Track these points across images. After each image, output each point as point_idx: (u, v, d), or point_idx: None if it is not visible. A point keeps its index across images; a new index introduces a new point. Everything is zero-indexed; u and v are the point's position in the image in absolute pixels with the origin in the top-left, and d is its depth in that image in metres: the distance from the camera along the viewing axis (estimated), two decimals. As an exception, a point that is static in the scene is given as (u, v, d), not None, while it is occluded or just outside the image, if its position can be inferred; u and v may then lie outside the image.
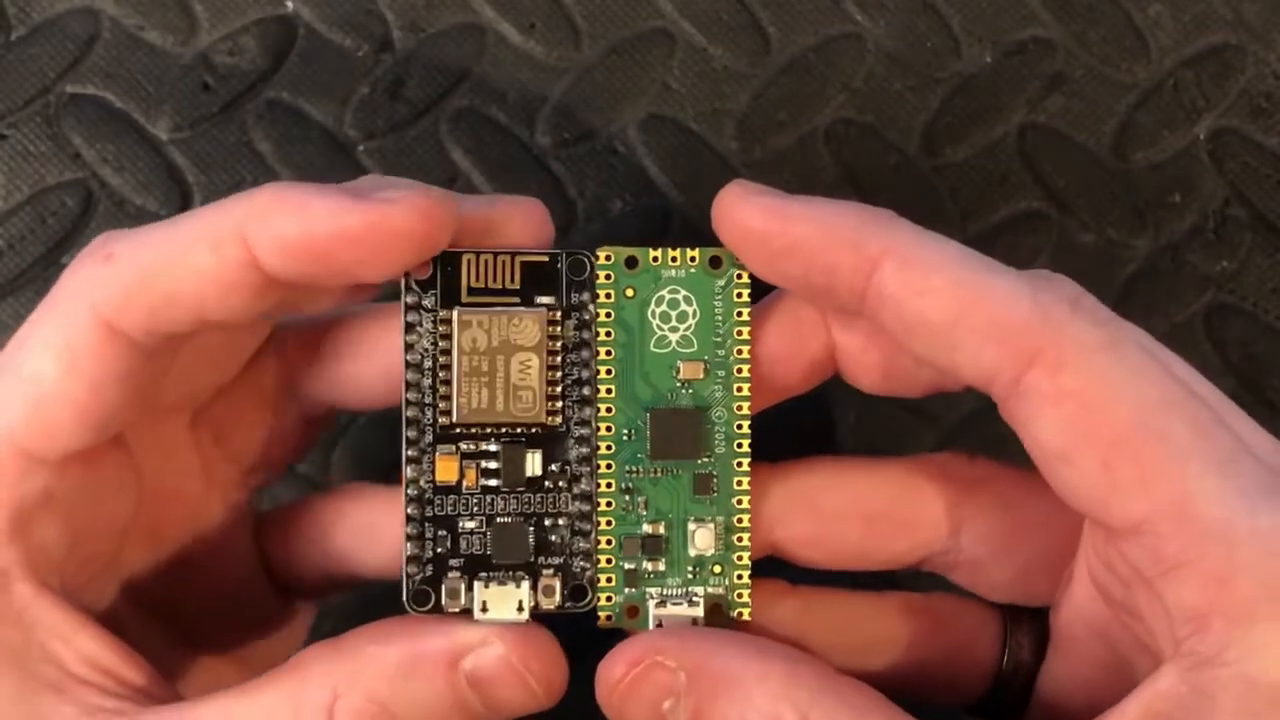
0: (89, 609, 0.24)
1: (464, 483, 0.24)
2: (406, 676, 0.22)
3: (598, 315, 0.24)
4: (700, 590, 0.24)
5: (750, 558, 0.24)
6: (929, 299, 0.21)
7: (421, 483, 0.24)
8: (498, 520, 0.24)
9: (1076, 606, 0.24)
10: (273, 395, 0.27)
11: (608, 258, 0.24)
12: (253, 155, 0.36)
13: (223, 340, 0.26)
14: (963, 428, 0.35)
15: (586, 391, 0.24)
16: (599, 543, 0.24)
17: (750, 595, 0.24)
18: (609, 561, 0.24)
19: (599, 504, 0.24)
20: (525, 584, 0.23)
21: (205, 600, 0.27)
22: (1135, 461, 0.20)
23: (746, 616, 0.24)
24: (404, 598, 0.24)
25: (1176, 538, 0.20)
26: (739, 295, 0.24)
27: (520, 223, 0.24)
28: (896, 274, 0.21)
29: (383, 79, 0.36)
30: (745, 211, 0.23)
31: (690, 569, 0.24)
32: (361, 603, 0.33)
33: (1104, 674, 0.24)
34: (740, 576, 0.24)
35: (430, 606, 0.23)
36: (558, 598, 0.24)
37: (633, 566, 0.24)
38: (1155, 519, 0.20)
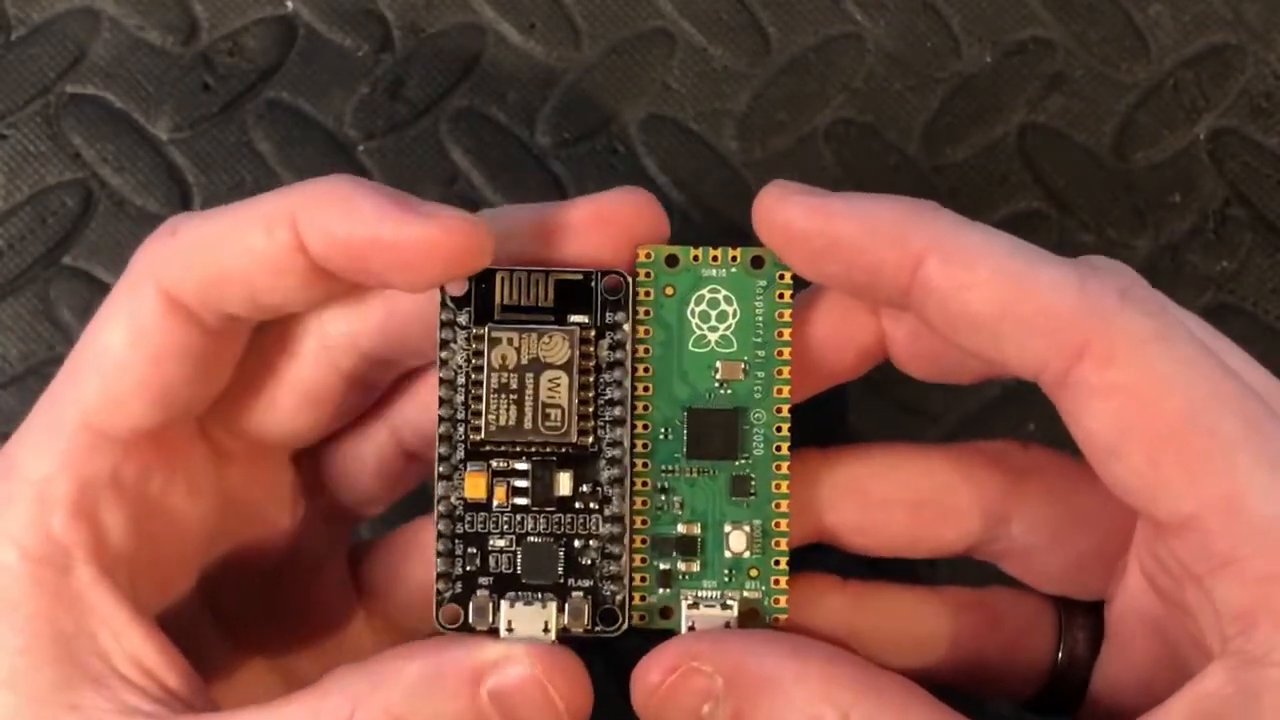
0: (154, 607, 0.24)
1: (494, 500, 0.23)
2: (427, 692, 0.22)
3: (637, 313, 0.24)
4: (735, 594, 0.24)
5: (788, 563, 0.24)
6: (974, 293, 0.21)
7: (452, 499, 0.23)
8: (528, 539, 0.24)
9: (1130, 600, 0.24)
10: (378, 442, 0.27)
11: (647, 255, 0.24)
12: (253, 155, 0.36)
13: (327, 390, 0.26)
14: (965, 427, 0.35)
15: (619, 412, 0.24)
16: (635, 542, 0.24)
17: (787, 600, 0.24)
18: (643, 561, 0.24)
19: (635, 502, 0.24)
20: (553, 605, 0.23)
21: (296, 628, 0.27)
22: (1183, 456, 0.20)
23: (783, 621, 0.24)
24: (434, 615, 0.23)
25: (1225, 535, 0.19)
26: (781, 296, 0.24)
27: (630, 218, 0.24)
28: (940, 268, 0.21)
29: (383, 79, 0.36)
30: (787, 211, 0.22)
31: (726, 571, 0.24)
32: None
33: (1159, 668, 0.24)
34: (778, 581, 0.24)
35: (459, 625, 0.23)
36: (586, 620, 0.23)
37: (667, 567, 0.24)
38: (1204, 515, 0.19)
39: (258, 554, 0.27)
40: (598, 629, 0.24)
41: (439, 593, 0.23)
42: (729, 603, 0.24)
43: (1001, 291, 0.21)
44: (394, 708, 0.21)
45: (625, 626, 0.24)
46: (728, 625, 0.23)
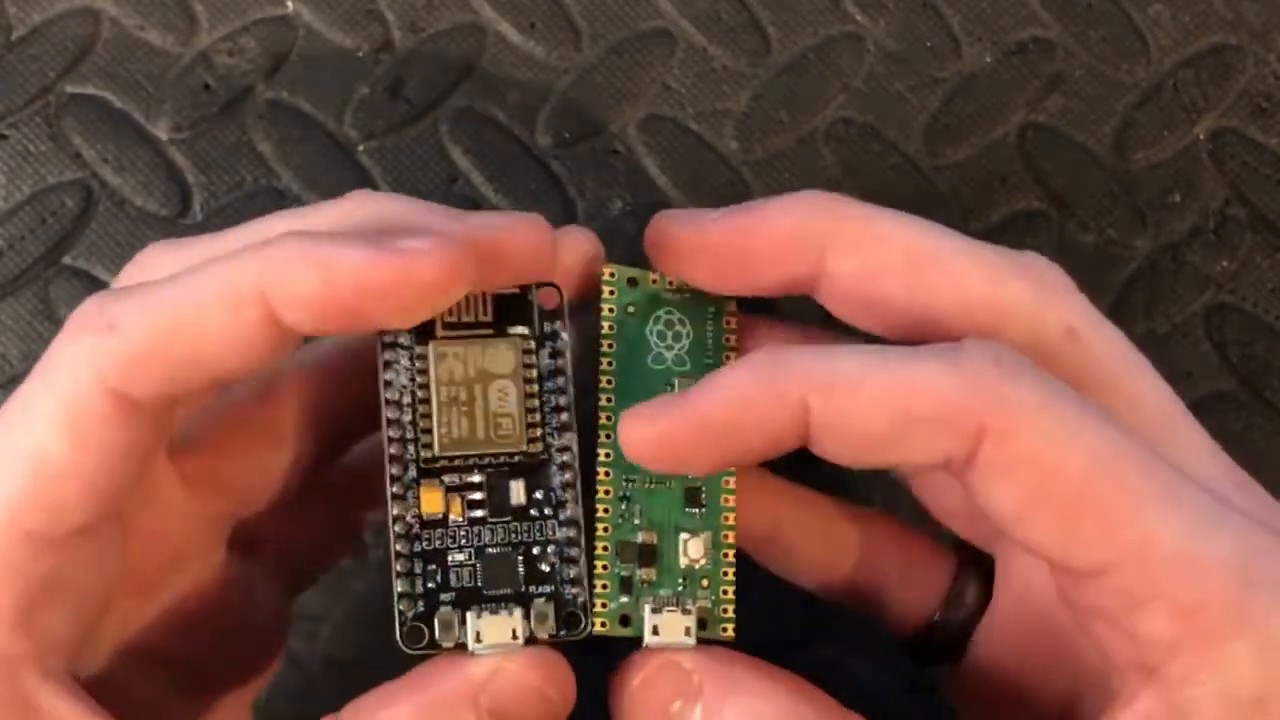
0: (87, 672, 0.23)
1: (450, 515, 0.23)
2: None
3: (602, 328, 0.25)
4: (691, 601, 0.24)
5: (735, 573, 0.25)
6: (865, 420, 0.21)
7: (408, 518, 0.23)
8: (487, 551, 0.24)
9: (1019, 573, 0.25)
10: (268, 431, 0.26)
11: (611, 274, 0.25)
12: (253, 155, 0.36)
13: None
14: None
15: (565, 418, 0.24)
16: (596, 549, 0.24)
17: (734, 611, 0.24)
18: (605, 568, 0.24)
19: (597, 510, 0.24)
20: (518, 612, 0.23)
21: (213, 650, 0.26)
22: (1097, 514, 0.20)
23: (730, 633, 0.24)
24: (397, 637, 0.23)
25: (1143, 575, 0.20)
26: (727, 322, 0.25)
27: (521, 243, 0.24)
28: (825, 408, 0.21)
29: (383, 79, 0.36)
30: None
31: (681, 579, 0.24)
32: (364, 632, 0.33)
33: (1040, 644, 0.24)
34: (725, 592, 0.24)
35: (425, 643, 0.23)
36: (551, 624, 0.23)
37: (628, 574, 0.24)
38: (1121, 561, 0.20)
39: (163, 580, 0.26)
40: (562, 633, 0.24)
41: (401, 614, 0.23)
42: (688, 607, 0.24)
43: (890, 409, 0.21)
44: None
45: (589, 630, 0.24)
46: (688, 631, 0.24)
